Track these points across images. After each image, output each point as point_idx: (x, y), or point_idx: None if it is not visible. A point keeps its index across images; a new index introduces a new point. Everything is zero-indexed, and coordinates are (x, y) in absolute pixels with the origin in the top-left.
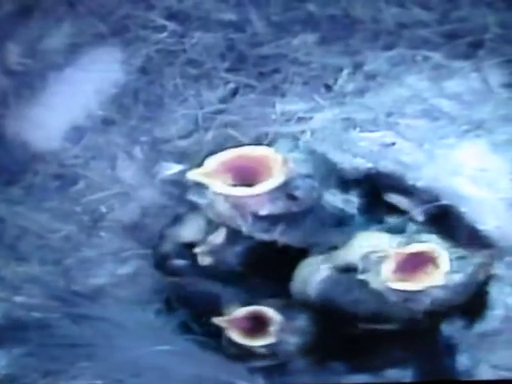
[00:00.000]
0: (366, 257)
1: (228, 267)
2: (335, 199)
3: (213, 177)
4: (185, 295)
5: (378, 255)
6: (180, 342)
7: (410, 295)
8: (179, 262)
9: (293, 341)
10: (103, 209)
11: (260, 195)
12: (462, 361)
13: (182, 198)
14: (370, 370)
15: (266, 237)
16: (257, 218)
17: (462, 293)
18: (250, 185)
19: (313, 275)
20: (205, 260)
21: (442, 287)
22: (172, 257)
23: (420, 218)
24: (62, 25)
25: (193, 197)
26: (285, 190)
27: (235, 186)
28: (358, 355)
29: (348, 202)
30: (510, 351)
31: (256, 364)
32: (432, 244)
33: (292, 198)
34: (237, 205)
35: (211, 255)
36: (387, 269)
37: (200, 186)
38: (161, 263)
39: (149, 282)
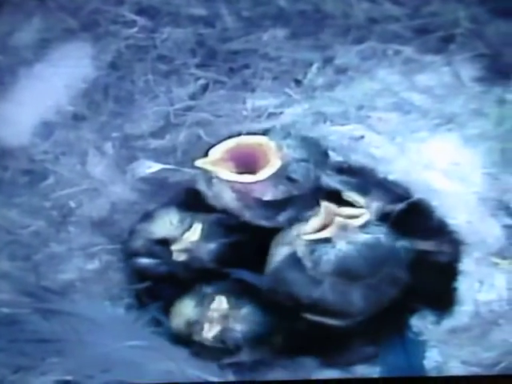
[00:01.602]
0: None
1: (201, 264)
2: (332, 180)
3: (218, 165)
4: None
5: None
6: (151, 337)
7: (317, 246)
8: (149, 260)
9: (239, 329)
10: (72, 204)
11: (263, 181)
12: (432, 357)
13: (153, 194)
14: (339, 366)
15: (268, 224)
16: (260, 204)
17: (367, 257)
18: (251, 172)
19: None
20: (180, 256)
21: (349, 242)
22: (142, 253)
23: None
24: (31, 20)
25: (201, 187)
26: (283, 173)
27: (239, 173)
28: (327, 350)
29: (345, 183)
30: (480, 347)
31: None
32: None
33: (292, 180)
34: (242, 192)
35: (186, 252)
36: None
37: (207, 176)
38: (130, 259)
39: (118, 277)
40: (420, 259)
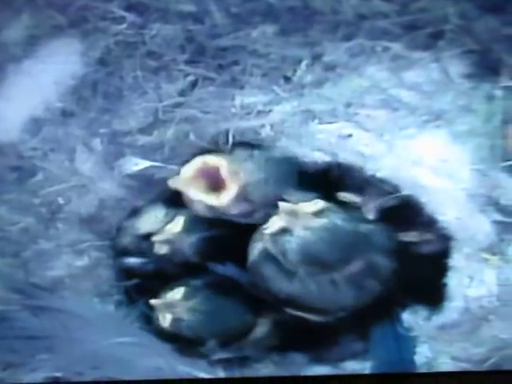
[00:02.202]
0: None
1: (183, 257)
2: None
3: (189, 184)
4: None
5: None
6: (140, 333)
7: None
8: (136, 258)
9: (188, 318)
10: (61, 201)
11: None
12: (422, 352)
13: (140, 191)
14: (329, 362)
15: (245, 221)
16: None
17: (329, 241)
18: (220, 188)
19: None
20: (162, 249)
21: (306, 228)
22: (130, 250)
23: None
24: (20, 17)
25: None
26: (241, 196)
27: (210, 189)
28: (316, 346)
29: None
30: (470, 343)
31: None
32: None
33: (250, 201)
34: (211, 207)
35: (168, 244)
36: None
37: None
38: (118, 257)
39: (107, 273)
40: (409, 254)
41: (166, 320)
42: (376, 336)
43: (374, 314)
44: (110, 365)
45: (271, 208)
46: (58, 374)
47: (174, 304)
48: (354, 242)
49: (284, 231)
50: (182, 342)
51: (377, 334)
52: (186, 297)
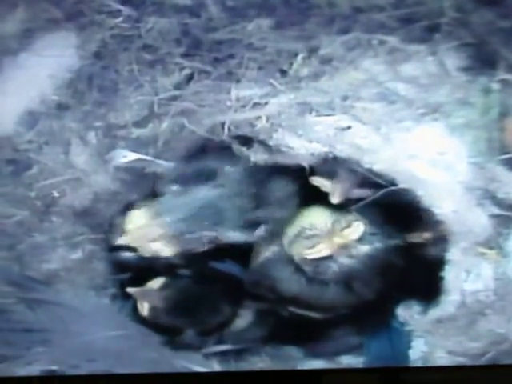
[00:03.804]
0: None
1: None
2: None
3: None
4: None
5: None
6: (136, 326)
7: (319, 262)
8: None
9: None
10: (56, 194)
11: None
12: (418, 347)
13: (135, 184)
14: (325, 356)
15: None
16: None
17: (367, 264)
18: None
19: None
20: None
21: (349, 256)
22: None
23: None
24: (16, 10)
25: None
26: None
27: None
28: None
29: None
30: (466, 337)
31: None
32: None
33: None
34: None
35: None
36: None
37: None
38: (111, 252)
39: (102, 267)
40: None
41: (144, 309)
42: (371, 330)
43: (370, 309)
44: (106, 358)
45: None
46: (54, 367)
47: (150, 293)
48: (383, 258)
49: (327, 258)
50: (161, 330)
51: (372, 328)
52: (163, 286)
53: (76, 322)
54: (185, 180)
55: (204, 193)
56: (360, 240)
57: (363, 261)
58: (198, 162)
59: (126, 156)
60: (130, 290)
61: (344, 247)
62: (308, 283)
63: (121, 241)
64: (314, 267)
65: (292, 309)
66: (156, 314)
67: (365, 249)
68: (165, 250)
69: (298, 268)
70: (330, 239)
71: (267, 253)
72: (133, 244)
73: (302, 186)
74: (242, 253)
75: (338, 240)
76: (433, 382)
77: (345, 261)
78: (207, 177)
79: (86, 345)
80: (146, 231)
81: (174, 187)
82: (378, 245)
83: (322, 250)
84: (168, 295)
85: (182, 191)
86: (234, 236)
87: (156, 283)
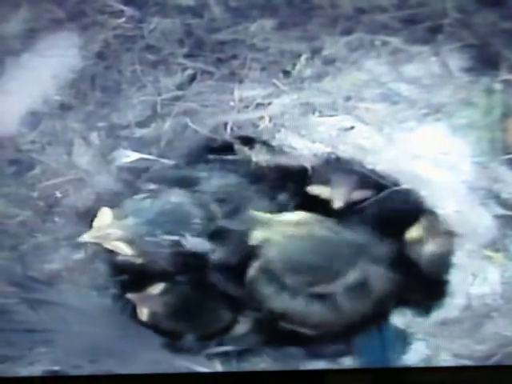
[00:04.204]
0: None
1: None
2: None
3: None
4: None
5: None
6: (138, 327)
7: None
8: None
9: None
10: (58, 194)
11: None
12: (421, 349)
13: (137, 185)
14: (325, 357)
15: None
16: None
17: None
18: None
19: None
20: None
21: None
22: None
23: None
24: (19, 10)
25: None
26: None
27: None
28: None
29: None
30: (472, 340)
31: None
32: None
33: None
34: None
35: None
36: None
37: None
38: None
39: (104, 267)
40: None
41: (143, 314)
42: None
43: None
44: (108, 358)
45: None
46: (56, 368)
47: (150, 298)
48: (341, 252)
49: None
50: (162, 334)
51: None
52: (163, 291)
53: (78, 323)
54: (164, 181)
55: (177, 197)
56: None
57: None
58: (190, 166)
59: (129, 156)
60: (129, 295)
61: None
62: (292, 299)
63: (84, 238)
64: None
65: (283, 324)
66: (156, 319)
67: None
68: (124, 250)
69: (282, 284)
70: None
71: (251, 270)
72: (95, 241)
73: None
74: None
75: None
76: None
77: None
78: (188, 183)
79: (89, 345)
80: (107, 231)
81: (151, 186)
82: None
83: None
84: (168, 301)
85: (155, 192)
86: (197, 243)
87: (156, 289)
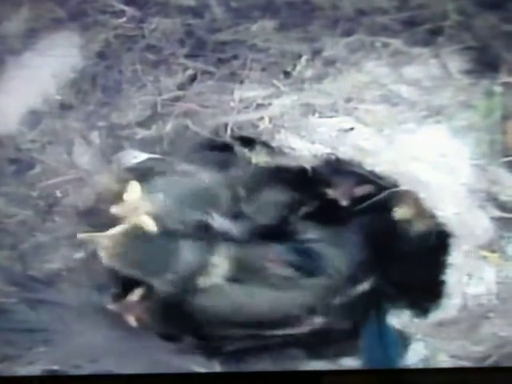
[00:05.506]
0: None
1: None
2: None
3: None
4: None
5: None
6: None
7: None
8: None
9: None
10: (58, 194)
11: None
12: (419, 350)
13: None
14: (325, 358)
15: None
16: None
17: None
18: None
19: None
20: None
21: None
22: None
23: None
24: (20, 9)
25: None
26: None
27: None
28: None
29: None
30: (469, 340)
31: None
32: None
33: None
34: None
35: None
36: None
37: None
38: None
39: (104, 267)
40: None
41: (131, 321)
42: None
43: (363, 311)
44: (108, 358)
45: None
46: (55, 367)
47: (131, 305)
48: None
49: None
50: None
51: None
52: (143, 297)
53: (78, 322)
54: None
55: (205, 176)
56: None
57: None
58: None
59: (136, 157)
60: (111, 306)
61: None
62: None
63: (114, 210)
64: None
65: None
66: (144, 324)
67: None
68: (150, 225)
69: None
70: None
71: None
72: (123, 215)
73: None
74: None
75: None
76: None
77: None
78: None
79: (88, 345)
80: (139, 203)
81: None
82: None
83: None
84: (149, 305)
85: (185, 172)
86: (223, 223)
87: (135, 295)
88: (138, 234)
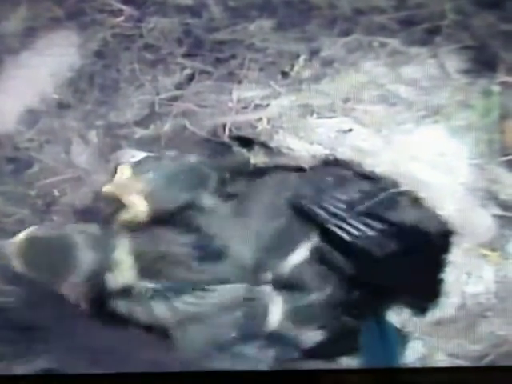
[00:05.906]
0: None
1: None
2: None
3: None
4: None
5: None
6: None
7: None
8: None
9: None
10: (56, 193)
11: None
12: (417, 348)
13: None
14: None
15: None
16: None
17: None
18: None
19: None
20: None
21: None
22: None
23: None
24: (18, 9)
25: None
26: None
27: None
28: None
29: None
30: (466, 339)
31: None
32: None
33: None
34: None
35: None
36: None
37: None
38: None
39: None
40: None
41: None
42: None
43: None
44: (107, 357)
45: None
46: (55, 366)
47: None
48: None
49: None
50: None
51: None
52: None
53: (76, 321)
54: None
55: (192, 158)
56: None
57: None
58: None
59: (134, 156)
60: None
61: None
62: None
63: (106, 189)
64: None
65: None
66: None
67: None
68: (140, 206)
69: None
70: None
71: None
72: (116, 193)
73: None
74: None
75: None
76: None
77: None
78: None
79: (87, 344)
80: (129, 183)
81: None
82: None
83: None
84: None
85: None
86: (210, 202)
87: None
88: (37, 239)
